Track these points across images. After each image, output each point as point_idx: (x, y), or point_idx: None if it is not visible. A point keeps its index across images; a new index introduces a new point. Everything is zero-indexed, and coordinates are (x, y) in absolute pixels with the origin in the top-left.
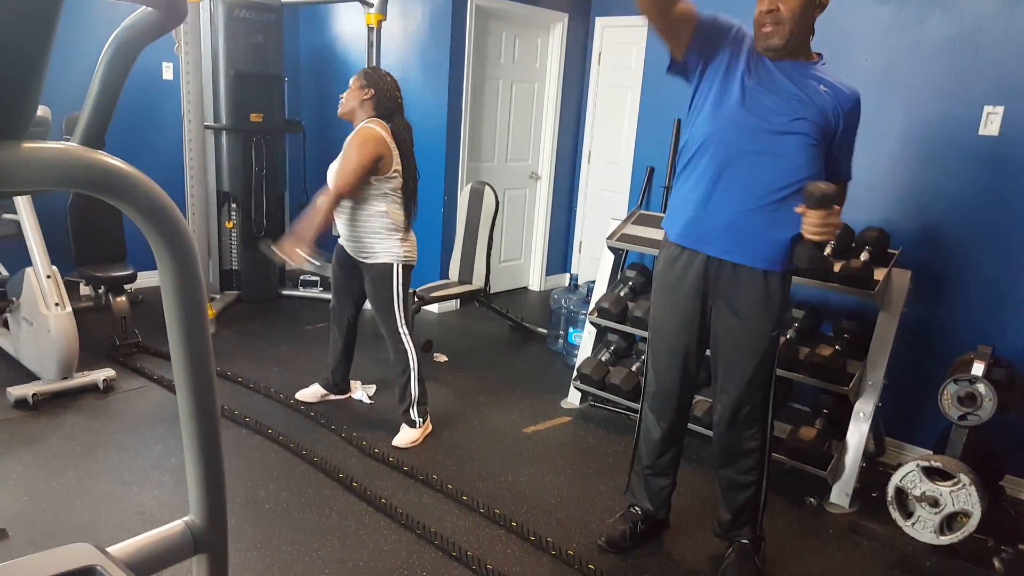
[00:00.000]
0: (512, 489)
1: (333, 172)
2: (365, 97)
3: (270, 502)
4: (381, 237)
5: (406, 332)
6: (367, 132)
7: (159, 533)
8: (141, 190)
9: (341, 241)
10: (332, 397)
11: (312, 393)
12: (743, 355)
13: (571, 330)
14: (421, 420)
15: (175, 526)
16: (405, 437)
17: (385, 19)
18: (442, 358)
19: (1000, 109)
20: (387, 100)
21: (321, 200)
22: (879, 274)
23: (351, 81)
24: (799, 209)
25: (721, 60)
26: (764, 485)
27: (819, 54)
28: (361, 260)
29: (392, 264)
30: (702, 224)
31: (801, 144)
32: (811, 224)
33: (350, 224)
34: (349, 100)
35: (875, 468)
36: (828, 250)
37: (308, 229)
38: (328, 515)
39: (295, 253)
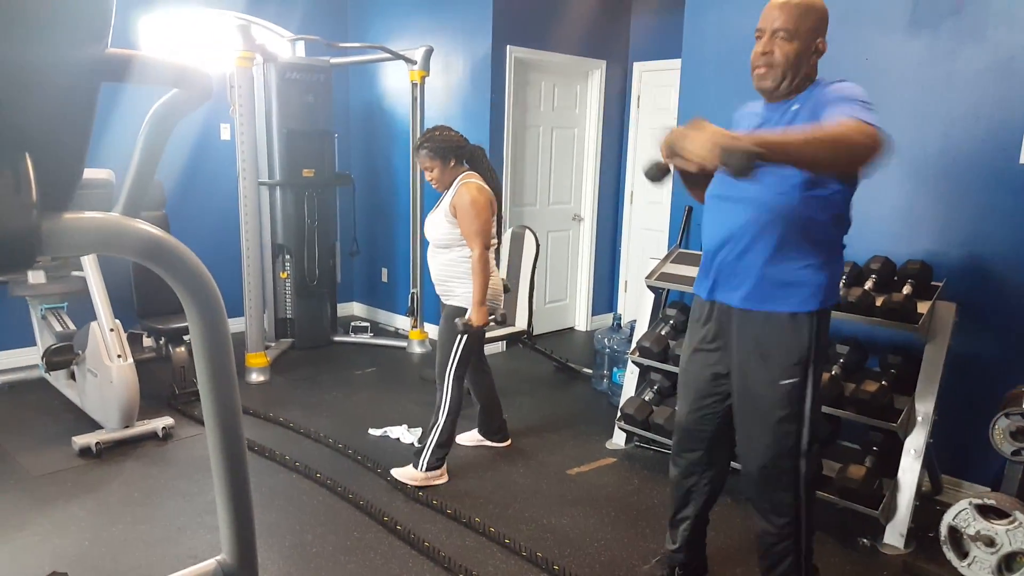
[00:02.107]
0: (555, 532)
1: (435, 227)
2: (452, 165)
3: (316, 546)
4: (462, 280)
5: (451, 378)
6: (474, 191)
7: (193, 571)
8: (175, 256)
9: (438, 291)
10: (488, 443)
11: (470, 438)
12: (747, 409)
13: (615, 370)
14: (428, 469)
15: (208, 564)
16: (406, 474)
17: (428, 75)
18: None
19: None
20: (461, 150)
21: (474, 263)
22: (923, 307)
23: (425, 161)
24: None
25: None
26: (803, 548)
27: (819, 79)
28: (444, 301)
29: (466, 308)
30: (708, 272)
31: (766, 181)
32: (681, 163)
33: (439, 268)
34: (444, 179)
35: (932, 507)
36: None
37: (478, 293)
38: (372, 559)
39: (481, 318)
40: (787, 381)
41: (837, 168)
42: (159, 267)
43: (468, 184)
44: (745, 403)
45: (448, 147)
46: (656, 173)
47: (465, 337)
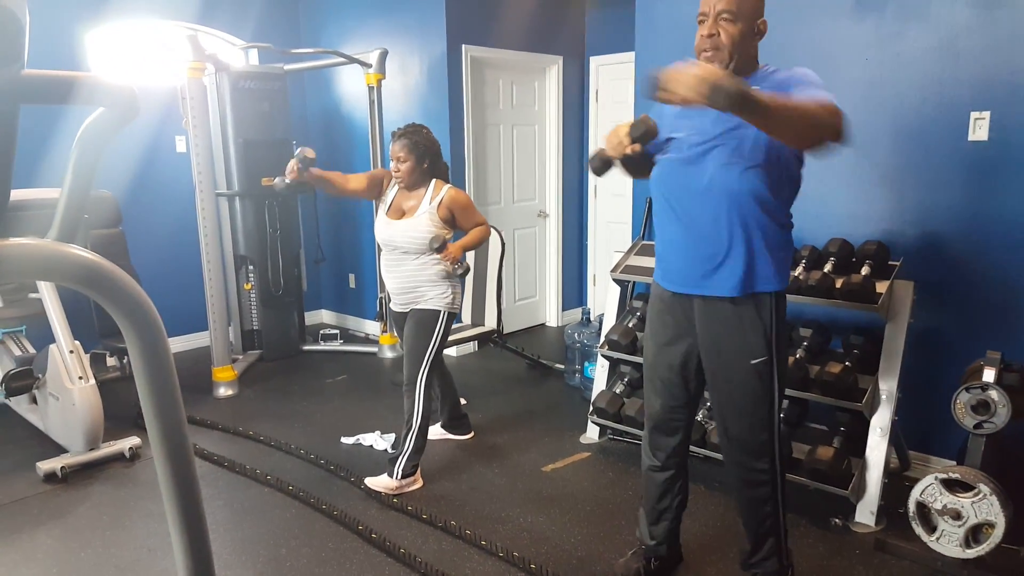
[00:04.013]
0: (531, 530)
1: (413, 231)
2: (425, 167)
3: (291, 559)
4: (434, 284)
5: (423, 384)
6: (461, 193)
7: None
8: (111, 282)
9: (394, 304)
10: (452, 437)
11: (434, 432)
12: (722, 389)
13: (587, 364)
14: (403, 477)
15: None
16: (380, 482)
17: (384, 77)
18: (461, 401)
19: (986, 114)
20: (435, 158)
21: (481, 228)
22: (882, 287)
23: (401, 152)
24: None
25: (661, 123)
26: (781, 513)
27: (764, 65)
28: (411, 307)
29: (439, 312)
30: (668, 265)
31: (718, 162)
32: (668, 98)
33: (409, 275)
34: (411, 175)
35: (901, 483)
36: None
37: (470, 242)
38: (349, 569)
39: (458, 252)
40: (757, 360)
41: (804, 140)
42: (95, 293)
43: (453, 190)
44: (719, 383)
45: (428, 149)
46: (600, 165)
47: (437, 343)
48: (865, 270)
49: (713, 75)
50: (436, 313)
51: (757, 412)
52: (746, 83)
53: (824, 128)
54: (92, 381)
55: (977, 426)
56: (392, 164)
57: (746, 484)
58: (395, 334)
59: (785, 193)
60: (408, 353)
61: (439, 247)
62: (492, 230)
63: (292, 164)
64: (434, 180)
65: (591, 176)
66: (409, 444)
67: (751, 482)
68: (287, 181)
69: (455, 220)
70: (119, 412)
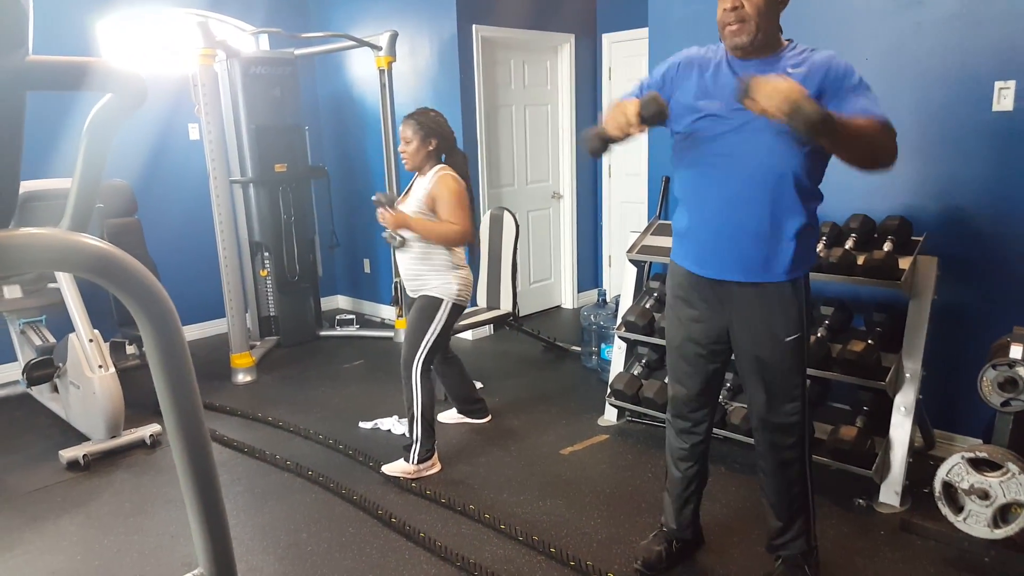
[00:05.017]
0: (551, 513)
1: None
2: (430, 148)
3: (311, 544)
4: (438, 273)
5: (418, 371)
6: (453, 182)
7: None
8: (124, 271)
9: (407, 290)
10: (469, 421)
11: (451, 416)
12: (753, 368)
13: (603, 346)
14: (420, 462)
15: None
16: (398, 467)
17: (395, 60)
18: (477, 384)
19: (1011, 83)
20: (447, 141)
21: (453, 227)
22: (904, 263)
23: (407, 132)
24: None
25: (676, 100)
26: (811, 492)
27: (789, 40)
28: (416, 294)
29: (442, 300)
30: (702, 247)
31: (758, 142)
32: (754, 107)
33: (412, 261)
34: (416, 156)
35: (925, 462)
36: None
37: (407, 221)
38: (369, 553)
39: (399, 219)
40: (791, 337)
41: (864, 161)
42: (107, 283)
43: (444, 175)
44: (751, 364)
45: (433, 129)
46: (599, 145)
47: (437, 332)
48: (887, 246)
49: (800, 95)
50: (438, 301)
51: (790, 390)
52: (825, 109)
53: (886, 154)
54: (112, 369)
55: (1004, 404)
56: (400, 147)
57: (778, 464)
58: None
59: (821, 170)
60: (406, 338)
61: (378, 200)
62: (506, 212)
63: (384, 214)
64: (440, 166)
65: (605, 155)
66: (416, 431)
67: (783, 461)
68: (397, 240)
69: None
70: (139, 399)
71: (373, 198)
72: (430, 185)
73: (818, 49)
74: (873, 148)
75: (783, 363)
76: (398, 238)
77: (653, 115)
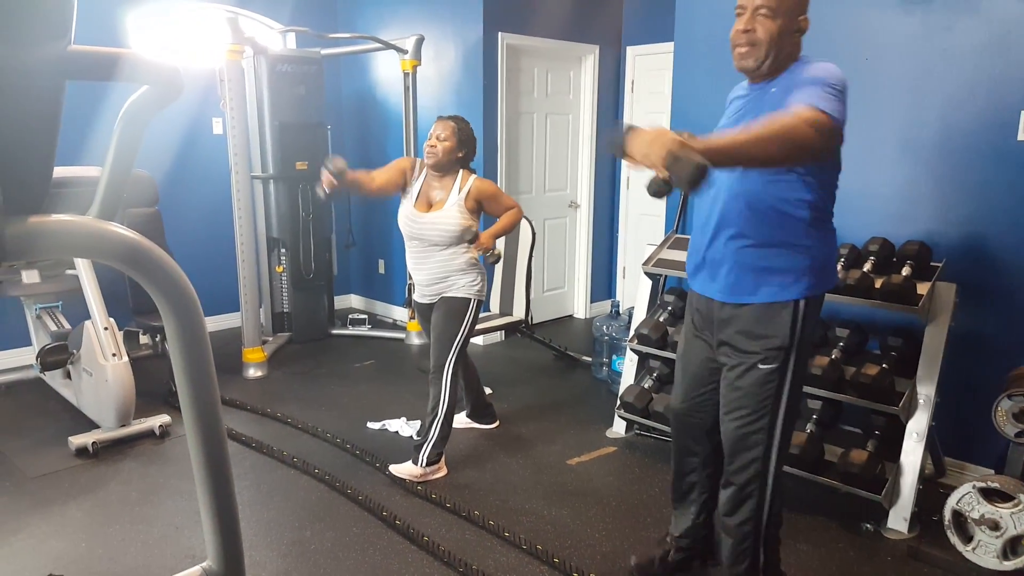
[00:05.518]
0: (556, 523)
1: (442, 223)
2: (460, 155)
3: (315, 542)
4: (464, 272)
5: (450, 371)
6: (484, 181)
7: None
8: (151, 260)
9: (419, 296)
10: (477, 426)
11: (460, 421)
12: (727, 389)
13: (615, 357)
14: (428, 465)
15: (192, 572)
16: (405, 470)
17: (420, 64)
18: (487, 390)
19: None
20: (469, 157)
21: (515, 211)
22: (923, 288)
23: (445, 131)
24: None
25: None
26: (761, 549)
27: (801, 57)
28: (440, 296)
29: (470, 300)
30: (691, 260)
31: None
32: (631, 164)
33: (439, 265)
34: (445, 156)
35: (935, 490)
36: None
37: (495, 232)
38: (371, 554)
39: (489, 241)
40: (767, 366)
41: (791, 162)
42: (134, 271)
43: (478, 178)
44: (726, 384)
45: (465, 141)
46: (660, 188)
47: (466, 331)
48: (906, 271)
49: (674, 144)
50: (466, 301)
51: (755, 420)
52: (696, 142)
53: (803, 145)
54: (125, 358)
55: (1019, 434)
56: (429, 142)
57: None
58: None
59: (806, 192)
60: (436, 340)
61: (471, 239)
62: (523, 219)
63: (326, 176)
64: (462, 170)
65: (624, 167)
66: (435, 432)
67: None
68: (327, 191)
69: (483, 209)
70: (150, 389)
71: (326, 165)
72: (470, 190)
73: (817, 62)
74: (780, 147)
75: (753, 389)
76: (495, 251)
77: (656, 194)
